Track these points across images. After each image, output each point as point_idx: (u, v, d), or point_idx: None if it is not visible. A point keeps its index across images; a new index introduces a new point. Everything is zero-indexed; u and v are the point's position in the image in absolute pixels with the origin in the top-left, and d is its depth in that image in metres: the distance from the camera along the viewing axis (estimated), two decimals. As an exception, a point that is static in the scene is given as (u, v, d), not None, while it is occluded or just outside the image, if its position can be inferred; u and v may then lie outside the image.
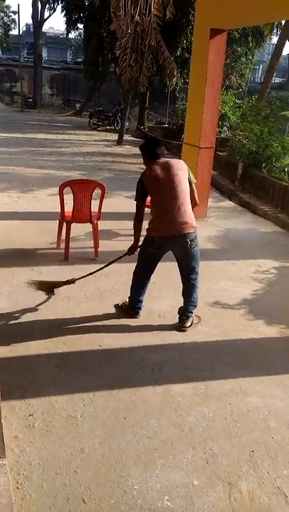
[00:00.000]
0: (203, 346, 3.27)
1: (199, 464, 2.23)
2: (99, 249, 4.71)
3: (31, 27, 26.55)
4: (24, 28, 38.05)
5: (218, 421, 2.52)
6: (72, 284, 3.77)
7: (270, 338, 3.45)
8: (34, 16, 22.81)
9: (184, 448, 2.32)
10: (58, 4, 20.38)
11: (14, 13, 29.10)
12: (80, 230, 5.03)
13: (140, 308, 3.55)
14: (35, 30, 23.46)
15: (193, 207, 3.38)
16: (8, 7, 28.76)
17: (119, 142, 13.54)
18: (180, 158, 4.65)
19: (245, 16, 5.26)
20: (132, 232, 3.42)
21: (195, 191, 3.34)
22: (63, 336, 3.24)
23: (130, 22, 10.45)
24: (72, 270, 4.32)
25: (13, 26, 28.87)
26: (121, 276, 4.15)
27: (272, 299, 4.08)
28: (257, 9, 4.94)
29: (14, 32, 28.68)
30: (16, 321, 3.42)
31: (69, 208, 4.62)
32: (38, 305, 3.66)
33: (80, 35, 26.44)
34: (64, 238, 4.62)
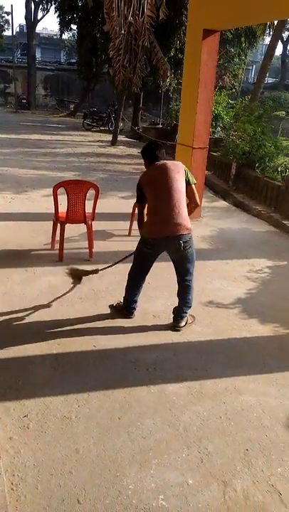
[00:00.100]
0: (198, 346, 3.28)
1: (194, 463, 2.24)
2: (93, 250, 4.71)
3: (25, 28, 26.46)
4: (18, 29, 37.96)
5: (212, 420, 2.53)
6: (69, 285, 3.76)
7: (263, 337, 3.47)
8: (27, 17, 22.75)
9: (179, 447, 2.33)
10: (52, 5, 20.38)
11: (7, 13, 29.11)
12: (74, 230, 5.03)
13: (135, 309, 3.55)
14: (29, 31, 23.40)
15: (194, 208, 3.40)
16: (1, 8, 28.76)
17: (113, 143, 13.54)
18: (174, 159, 4.67)
19: (237, 16, 5.28)
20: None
21: (195, 192, 3.35)
22: (58, 337, 3.24)
23: (123, 23, 10.47)
24: (67, 271, 4.32)
25: (6, 27, 28.86)
26: (115, 277, 4.15)
27: (266, 298, 4.10)
28: (249, 10, 4.96)
29: (8, 33, 28.68)
30: (11, 322, 3.41)
31: (63, 208, 4.61)
32: (32, 306, 3.65)
33: (73, 35, 26.47)
34: (58, 239, 4.61)
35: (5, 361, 2.94)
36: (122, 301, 3.59)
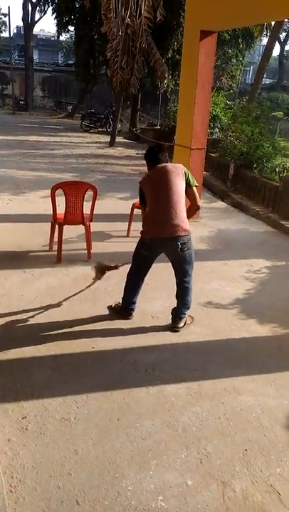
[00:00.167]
0: (197, 346, 3.28)
1: (193, 464, 2.23)
2: (92, 251, 4.71)
3: (22, 29, 26.52)
4: (15, 31, 37.95)
5: (211, 420, 2.53)
6: (67, 286, 3.76)
7: (262, 337, 3.47)
8: (25, 18, 22.79)
9: (178, 448, 2.33)
10: (49, 6, 20.45)
11: (4, 15, 29.10)
12: (72, 231, 5.02)
13: (133, 310, 3.55)
14: (26, 32, 23.43)
15: (195, 210, 3.42)
16: (-2, 9, 28.71)
17: (112, 144, 13.55)
18: (172, 160, 4.67)
19: (234, 17, 5.30)
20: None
21: (197, 195, 3.36)
22: (56, 338, 3.23)
23: (121, 24, 10.49)
24: (65, 272, 4.32)
25: (3, 28, 28.89)
26: (114, 278, 4.15)
27: (264, 298, 4.10)
28: (246, 11, 4.97)
29: (5, 34, 28.68)
30: (9, 324, 3.40)
31: (61, 210, 4.61)
32: (30, 307, 3.64)
33: (71, 37, 26.53)
34: (56, 240, 4.61)
35: (3, 363, 2.94)
36: (120, 302, 3.59)
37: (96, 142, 14.18)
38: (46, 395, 2.64)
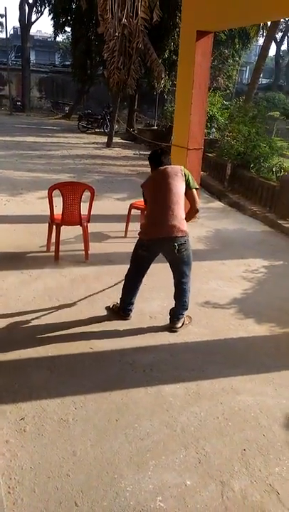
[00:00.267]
0: (194, 346, 3.28)
1: (192, 464, 2.23)
2: (89, 252, 4.70)
3: (19, 30, 26.46)
4: (12, 31, 37.88)
5: (209, 420, 2.53)
6: (65, 287, 3.76)
7: (260, 337, 3.47)
8: (21, 19, 22.75)
9: (177, 448, 2.33)
10: (46, 7, 20.41)
11: (1, 16, 28.95)
12: (69, 232, 5.02)
13: (131, 310, 3.55)
14: (23, 33, 23.40)
15: (194, 213, 3.42)
16: (-6, 10, 28.66)
17: (109, 145, 13.54)
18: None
19: (230, 17, 5.31)
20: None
21: (196, 198, 3.36)
22: (54, 339, 3.23)
23: (118, 25, 10.49)
24: (63, 273, 4.32)
25: (0, 29, 28.80)
26: (112, 279, 4.15)
27: (262, 298, 4.11)
28: (242, 11, 4.98)
29: (1, 35, 28.71)
30: (6, 325, 3.39)
31: (58, 210, 4.61)
32: (28, 308, 3.64)
33: (67, 38, 26.47)
34: (54, 241, 4.61)
35: (1, 364, 2.93)
36: (118, 302, 3.58)
37: (93, 143, 14.18)
38: (44, 396, 2.63)
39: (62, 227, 4.60)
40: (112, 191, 7.83)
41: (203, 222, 6.30)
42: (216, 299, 4.00)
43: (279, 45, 34.02)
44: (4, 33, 25.43)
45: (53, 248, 4.66)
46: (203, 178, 7.92)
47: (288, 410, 2.64)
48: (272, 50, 33.87)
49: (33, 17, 22.88)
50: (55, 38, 20.57)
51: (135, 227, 5.14)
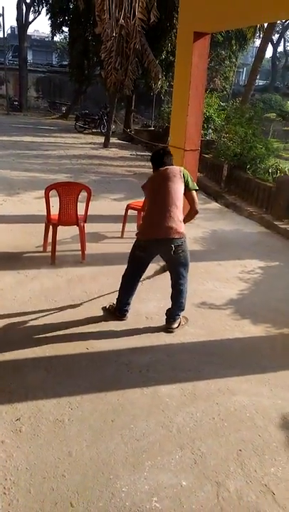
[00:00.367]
0: (191, 347, 3.28)
1: (187, 465, 2.24)
2: (86, 252, 4.70)
3: (16, 30, 26.42)
4: (9, 31, 37.87)
5: (205, 421, 2.54)
6: (61, 287, 3.75)
7: (255, 338, 3.48)
8: (19, 19, 22.70)
9: (172, 449, 2.33)
10: (43, 7, 20.39)
11: (-2, 15, 28.94)
12: (66, 232, 5.01)
13: (127, 311, 3.55)
14: (20, 32, 23.34)
15: (194, 215, 3.42)
16: (-8, 9, 28.60)
17: (106, 145, 13.54)
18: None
19: (227, 19, 5.32)
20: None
21: (196, 199, 3.37)
22: (50, 339, 3.22)
23: (115, 25, 10.50)
24: (59, 273, 4.31)
25: (-3, 29, 28.66)
26: (108, 279, 4.15)
27: (258, 299, 4.12)
28: (239, 12, 5.00)
29: (-2, 34, 28.48)
30: (3, 325, 3.38)
31: (55, 210, 4.60)
32: (24, 309, 3.63)
33: (65, 38, 26.45)
34: (50, 241, 4.60)
35: (-3, 364, 2.92)
36: (114, 303, 3.58)
37: (90, 143, 14.17)
38: (40, 396, 2.63)
39: (59, 228, 4.59)
40: (109, 192, 7.83)
41: (199, 223, 6.31)
42: (212, 300, 4.01)
43: (275, 46, 34.20)
44: (1, 32, 25.37)
45: (49, 248, 4.65)
46: (199, 179, 7.95)
47: (284, 411, 2.65)
48: (269, 52, 34.04)
49: (31, 17, 22.87)
50: (52, 37, 20.67)
51: (132, 227, 5.14)
